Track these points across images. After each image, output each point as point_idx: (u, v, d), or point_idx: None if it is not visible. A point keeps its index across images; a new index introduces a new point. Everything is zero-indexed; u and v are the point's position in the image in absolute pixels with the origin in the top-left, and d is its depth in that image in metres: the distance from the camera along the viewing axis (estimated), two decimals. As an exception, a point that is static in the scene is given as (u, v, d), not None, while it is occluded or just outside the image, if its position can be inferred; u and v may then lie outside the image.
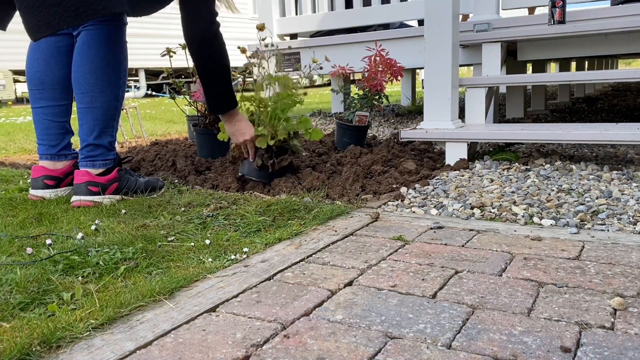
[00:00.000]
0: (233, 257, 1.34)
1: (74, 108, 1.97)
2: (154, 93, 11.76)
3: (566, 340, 0.89)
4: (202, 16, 1.85)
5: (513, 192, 1.87)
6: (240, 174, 2.17)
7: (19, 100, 10.09)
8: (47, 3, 1.48)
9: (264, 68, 2.34)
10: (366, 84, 2.77)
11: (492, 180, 2.03)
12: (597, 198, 1.74)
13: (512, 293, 1.09)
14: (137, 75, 11.59)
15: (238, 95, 2.03)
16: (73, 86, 1.88)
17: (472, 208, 1.72)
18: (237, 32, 13.04)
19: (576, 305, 1.02)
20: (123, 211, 1.75)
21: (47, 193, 1.94)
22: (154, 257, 1.32)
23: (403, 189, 1.97)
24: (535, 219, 1.60)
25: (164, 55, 2.66)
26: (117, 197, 1.91)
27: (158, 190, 2.01)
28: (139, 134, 3.85)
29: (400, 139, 2.51)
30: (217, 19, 1.88)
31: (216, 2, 1.91)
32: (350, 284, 1.17)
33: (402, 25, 4.40)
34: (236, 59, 2.15)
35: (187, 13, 1.85)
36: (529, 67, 5.14)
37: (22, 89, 9.99)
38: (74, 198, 1.86)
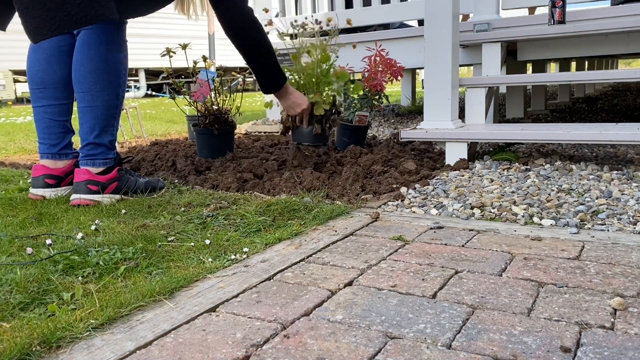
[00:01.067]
0: (233, 257, 1.34)
1: (75, 107, 1.98)
2: (154, 93, 11.76)
3: (566, 340, 0.89)
4: (238, 6, 1.93)
5: (513, 192, 1.87)
6: (296, 142, 2.28)
7: (19, 100, 10.09)
8: (47, 7, 1.48)
9: (298, 38, 2.40)
10: (366, 84, 2.77)
11: (492, 180, 2.03)
12: (597, 198, 1.74)
13: (512, 293, 1.09)
14: (137, 75, 11.59)
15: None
16: (74, 85, 1.89)
17: (472, 208, 1.72)
18: (237, 32, 13.03)
19: (576, 305, 1.02)
20: (123, 211, 1.75)
21: (48, 192, 1.94)
22: (154, 257, 1.32)
23: (403, 189, 1.97)
24: (535, 219, 1.60)
25: (164, 55, 2.66)
26: (117, 196, 1.91)
27: (158, 190, 2.01)
28: (139, 134, 3.85)
29: (400, 139, 2.51)
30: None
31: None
32: (350, 284, 1.17)
33: (402, 25, 4.40)
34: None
35: (222, 8, 1.92)
36: (529, 67, 5.14)
37: (22, 89, 10.00)
38: (74, 196, 1.86)
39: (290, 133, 2.29)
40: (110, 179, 1.90)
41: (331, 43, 2.43)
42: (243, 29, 1.94)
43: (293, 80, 2.27)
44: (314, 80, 2.20)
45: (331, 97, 2.18)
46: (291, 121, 2.22)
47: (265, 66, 2.04)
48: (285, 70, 2.19)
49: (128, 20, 1.95)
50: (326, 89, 2.19)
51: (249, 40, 1.97)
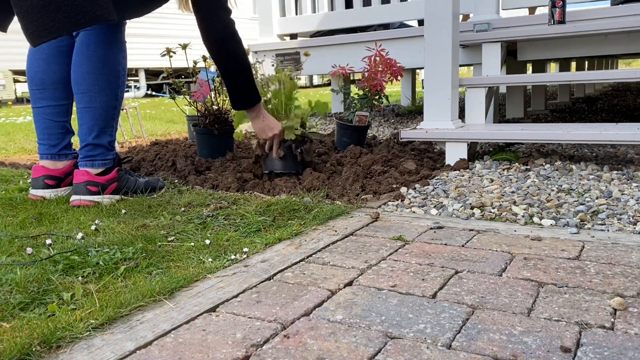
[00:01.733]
0: (233, 257, 1.34)
1: (74, 108, 1.98)
2: (154, 93, 11.76)
3: (566, 340, 0.89)
4: (219, 16, 1.87)
5: (513, 192, 1.87)
6: (267, 171, 2.20)
7: (19, 100, 10.09)
8: (46, 9, 1.48)
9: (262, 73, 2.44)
10: (366, 84, 2.77)
11: (492, 180, 2.03)
12: (597, 198, 1.74)
13: (512, 293, 1.09)
14: (137, 75, 11.59)
15: None
16: (72, 86, 1.89)
17: (472, 208, 1.72)
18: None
19: (576, 305, 1.02)
20: (123, 211, 1.75)
21: (48, 193, 1.94)
22: (154, 257, 1.32)
23: (403, 189, 1.97)
24: (535, 219, 1.60)
25: (164, 55, 2.66)
26: (117, 197, 1.91)
27: (158, 190, 2.01)
28: (139, 134, 3.85)
29: (400, 139, 2.51)
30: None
31: None
32: (350, 284, 1.17)
33: (402, 25, 4.40)
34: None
35: (203, 15, 1.86)
36: (529, 67, 5.14)
37: (22, 89, 10.00)
38: (73, 197, 1.86)
39: (263, 162, 2.24)
40: (110, 179, 1.89)
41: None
42: (222, 40, 1.88)
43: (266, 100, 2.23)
44: (282, 101, 2.17)
45: (299, 121, 2.13)
46: (261, 150, 2.17)
47: (239, 82, 1.95)
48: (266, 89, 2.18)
49: (128, 20, 1.95)
50: (295, 111, 2.16)
51: (225, 52, 1.90)
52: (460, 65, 2.87)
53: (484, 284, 1.14)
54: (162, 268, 1.27)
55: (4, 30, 1.79)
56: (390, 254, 1.34)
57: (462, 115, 2.56)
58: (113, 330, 0.97)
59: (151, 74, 12.07)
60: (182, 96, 2.81)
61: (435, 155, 2.55)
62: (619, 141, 2.07)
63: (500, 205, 1.73)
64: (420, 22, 4.24)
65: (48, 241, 1.41)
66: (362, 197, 1.91)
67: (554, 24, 2.69)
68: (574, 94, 6.22)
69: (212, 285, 1.17)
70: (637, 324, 0.94)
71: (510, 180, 2.03)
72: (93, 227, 1.56)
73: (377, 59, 2.75)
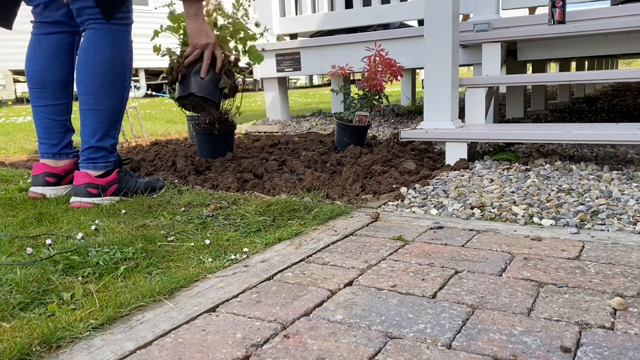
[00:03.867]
0: (233, 257, 1.34)
1: (75, 107, 1.97)
2: (154, 93, 11.76)
3: (566, 340, 0.89)
4: None
5: (513, 192, 1.87)
6: (185, 94, 1.96)
7: (19, 100, 10.10)
8: None
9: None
10: (366, 84, 2.77)
11: (492, 180, 2.03)
12: (597, 198, 1.74)
13: (512, 293, 1.09)
14: (137, 75, 11.59)
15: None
16: (77, 86, 1.85)
17: (472, 208, 1.72)
18: (237, 32, 13.04)
19: (576, 305, 1.02)
20: (123, 211, 1.75)
21: (48, 190, 1.94)
22: (154, 257, 1.32)
23: (403, 189, 1.97)
24: (535, 219, 1.60)
25: (164, 55, 2.66)
26: (116, 198, 1.91)
27: (158, 190, 2.01)
28: (139, 134, 3.85)
29: (400, 139, 2.51)
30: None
31: None
32: (350, 284, 1.17)
33: (402, 25, 4.40)
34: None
35: None
36: (529, 67, 5.14)
37: (22, 89, 10.00)
38: (73, 199, 1.86)
39: (178, 85, 1.95)
40: (110, 181, 1.89)
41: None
42: None
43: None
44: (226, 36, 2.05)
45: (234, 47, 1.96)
46: (183, 66, 1.91)
47: None
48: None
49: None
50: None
51: None
52: (460, 65, 2.87)
53: (484, 284, 1.14)
54: (162, 268, 1.27)
55: (10, 27, 1.79)
56: (390, 254, 1.34)
57: (462, 115, 2.56)
58: (113, 330, 0.97)
59: (151, 74, 12.07)
60: (182, 96, 2.80)
61: (435, 155, 2.55)
62: (619, 141, 2.07)
63: (500, 205, 1.73)
64: (420, 22, 4.24)
65: (48, 241, 1.41)
66: (362, 197, 1.91)
67: (554, 24, 2.69)
68: (574, 94, 6.22)
69: (212, 285, 1.17)
70: (637, 324, 0.94)
71: (510, 180, 2.03)
72: (93, 227, 1.56)
73: (377, 59, 2.75)
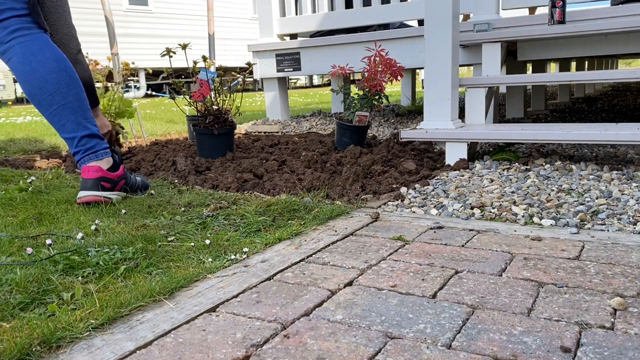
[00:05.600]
0: (233, 257, 1.34)
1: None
2: (154, 93, 11.76)
3: (566, 340, 0.89)
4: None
5: (513, 192, 1.87)
6: None
7: (18, 100, 10.09)
8: None
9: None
10: (366, 84, 2.77)
11: (492, 180, 2.03)
12: (597, 198, 1.74)
13: (512, 293, 1.09)
14: (137, 76, 11.59)
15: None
16: (36, 96, 1.81)
17: (472, 208, 1.72)
18: (237, 32, 13.05)
19: (576, 305, 1.02)
20: (123, 211, 1.75)
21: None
22: (154, 257, 1.32)
23: (403, 189, 1.97)
24: (535, 219, 1.60)
25: (164, 55, 2.66)
26: (123, 194, 1.92)
27: (145, 190, 2.04)
28: (139, 134, 3.85)
29: (400, 139, 2.51)
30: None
31: None
32: (350, 284, 1.17)
33: (402, 25, 4.40)
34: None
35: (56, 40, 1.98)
36: (529, 67, 5.14)
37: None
38: (83, 194, 1.82)
39: None
40: (120, 176, 1.91)
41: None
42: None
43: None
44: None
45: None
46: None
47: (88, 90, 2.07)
48: None
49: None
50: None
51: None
52: (460, 65, 2.87)
53: (484, 284, 1.14)
54: (162, 268, 1.27)
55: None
56: (390, 254, 1.34)
57: (462, 115, 2.56)
58: (113, 330, 0.97)
59: (151, 74, 12.07)
60: (182, 96, 2.81)
61: (435, 155, 2.55)
62: (619, 141, 2.07)
63: (500, 205, 1.73)
64: (420, 22, 4.25)
65: (48, 241, 1.41)
66: (362, 197, 1.91)
67: (554, 24, 2.69)
68: (574, 94, 6.22)
69: (212, 285, 1.17)
70: (637, 324, 0.94)
71: (510, 180, 2.03)
72: (93, 227, 1.56)
73: (377, 59, 2.75)
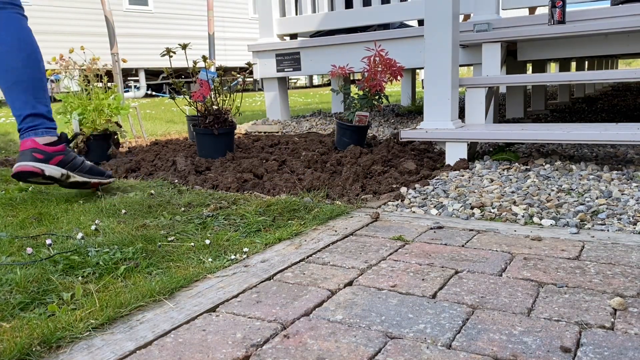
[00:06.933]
0: (233, 257, 1.34)
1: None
2: (153, 93, 11.76)
3: (566, 340, 0.89)
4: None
5: (513, 192, 1.87)
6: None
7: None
8: None
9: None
10: (366, 84, 2.77)
11: (492, 180, 2.03)
12: (597, 198, 1.74)
13: (512, 293, 1.09)
14: (137, 75, 11.59)
15: None
16: None
17: (472, 208, 1.72)
18: (237, 32, 13.05)
19: (576, 305, 1.02)
20: (123, 211, 1.75)
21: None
22: (154, 257, 1.33)
23: (403, 189, 1.97)
24: (535, 219, 1.60)
25: (164, 55, 2.66)
26: (62, 170, 1.90)
27: (105, 177, 2.04)
28: (139, 134, 3.85)
29: (400, 139, 2.51)
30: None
31: None
32: (350, 284, 1.17)
33: (402, 25, 4.40)
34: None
35: None
36: (529, 67, 5.14)
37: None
38: (17, 165, 1.85)
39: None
40: (56, 151, 1.90)
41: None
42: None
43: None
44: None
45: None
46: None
47: None
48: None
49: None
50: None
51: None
52: (460, 65, 2.87)
53: (484, 284, 1.14)
54: (162, 268, 1.27)
55: None
56: (390, 254, 1.34)
57: (462, 115, 2.56)
58: (113, 330, 0.97)
59: (151, 74, 12.07)
60: (182, 96, 2.81)
61: (435, 155, 2.55)
62: (619, 141, 2.07)
63: (500, 205, 1.73)
64: (420, 22, 4.25)
65: (48, 241, 1.41)
66: (362, 197, 1.91)
67: (554, 24, 2.69)
68: (574, 94, 6.22)
69: (212, 285, 1.17)
70: (637, 324, 0.94)
71: (510, 180, 2.03)
72: (93, 227, 1.56)
73: (377, 59, 2.75)
